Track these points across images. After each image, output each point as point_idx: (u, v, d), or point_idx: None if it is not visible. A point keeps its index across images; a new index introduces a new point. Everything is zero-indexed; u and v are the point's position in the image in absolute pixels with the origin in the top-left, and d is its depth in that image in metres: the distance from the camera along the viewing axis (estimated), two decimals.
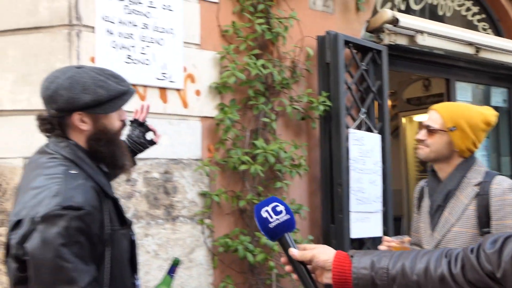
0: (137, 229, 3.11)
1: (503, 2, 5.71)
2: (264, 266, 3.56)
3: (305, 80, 3.96)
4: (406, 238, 2.26)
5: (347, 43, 3.99)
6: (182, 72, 3.35)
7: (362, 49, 4.21)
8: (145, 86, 3.22)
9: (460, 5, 5.60)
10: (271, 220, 1.51)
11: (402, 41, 4.47)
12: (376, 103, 4.30)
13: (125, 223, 1.89)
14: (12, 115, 3.08)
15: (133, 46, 3.16)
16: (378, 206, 4.16)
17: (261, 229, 1.53)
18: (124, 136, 2.17)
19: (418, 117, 7.00)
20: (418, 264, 1.42)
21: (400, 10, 4.92)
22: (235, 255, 3.45)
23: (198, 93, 3.44)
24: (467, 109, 2.36)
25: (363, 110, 4.15)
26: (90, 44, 3.02)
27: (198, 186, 3.44)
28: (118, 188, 3.07)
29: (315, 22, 4.04)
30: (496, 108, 4.22)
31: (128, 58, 3.15)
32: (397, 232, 4.92)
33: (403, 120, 7.17)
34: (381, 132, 4.27)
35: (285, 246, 1.54)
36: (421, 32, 4.48)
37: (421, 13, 5.19)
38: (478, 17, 5.75)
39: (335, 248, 1.54)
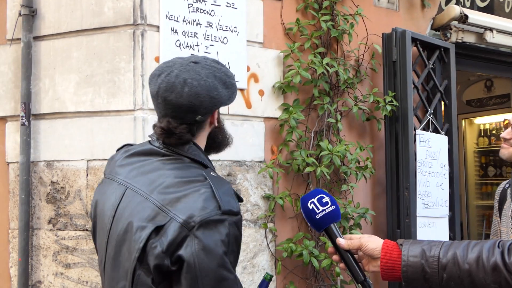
0: None
1: None
2: (328, 272, 3.43)
3: (370, 79, 3.82)
4: None
5: (414, 40, 3.83)
6: (245, 72, 3.27)
7: (428, 47, 4.04)
8: None
9: None
10: (317, 211, 1.56)
11: (470, 38, 4.28)
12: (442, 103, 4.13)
13: None
14: (76, 117, 3.06)
15: (197, 45, 3.09)
16: (445, 211, 3.99)
17: (307, 220, 1.58)
18: None
19: (479, 120, 6.74)
20: (470, 253, 1.46)
21: (464, 7, 4.71)
22: (298, 260, 3.33)
23: (261, 93, 3.35)
24: None
25: (430, 110, 3.97)
26: (155, 43, 2.97)
27: (261, 189, 3.34)
28: None
29: (380, 20, 3.90)
30: None
31: None
32: (462, 238, 4.71)
33: (463, 122, 6.91)
34: (447, 133, 4.09)
35: (331, 236, 1.58)
36: (490, 29, 4.27)
37: (487, 10, 4.96)
38: None
39: None
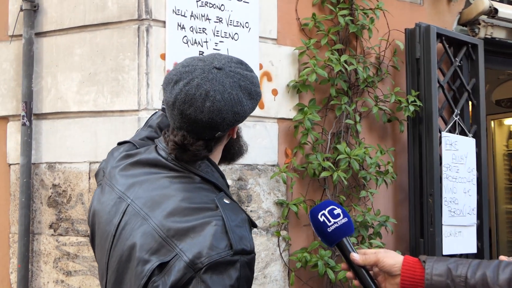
0: None
1: None
2: (346, 284, 3.23)
3: (392, 77, 3.61)
4: None
5: (439, 36, 3.62)
6: (258, 70, 3.09)
7: (455, 43, 3.82)
8: None
9: None
10: (328, 224, 1.47)
11: (500, 34, 4.06)
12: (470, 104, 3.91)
13: None
14: (78, 117, 2.92)
15: (206, 42, 2.92)
16: (473, 219, 3.76)
17: (318, 234, 1.49)
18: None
19: (509, 121, 6.47)
20: (501, 274, 1.36)
21: (494, 0, 4.47)
22: (313, 272, 3.14)
23: (275, 92, 3.16)
24: None
25: (457, 111, 3.74)
26: (161, 39, 2.81)
27: (274, 195, 3.15)
28: None
29: (402, 14, 3.70)
30: None
31: (201, 54, 2.90)
32: (491, 247, 4.46)
33: (491, 123, 6.63)
34: (475, 135, 3.86)
35: (344, 251, 1.48)
36: None
37: None
38: None
39: None
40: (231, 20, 3.02)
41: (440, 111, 3.66)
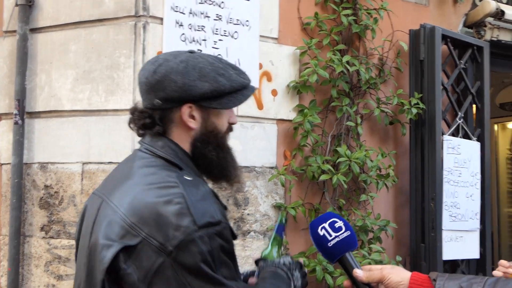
0: None
1: None
2: None
3: (394, 79, 3.55)
4: None
5: (444, 37, 3.56)
6: (257, 70, 3.03)
7: (460, 45, 3.76)
8: None
9: None
10: (329, 238, 1.40)
11: (506, 36, 4.01)
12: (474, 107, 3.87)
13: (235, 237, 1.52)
14: (72, 116, 2.85)
15: (204, 40, 2.85)
16: (475, 223, 3.69)
17: (318, 249, 1.44)
18: None
19: None
20: None
21: (501, 2, 4.41)
22: (311, 277, 3.07)
23: (274, 93, 3.10)
24: None
25: (460, 114, 3.67)
26: (158, 37, 2.75)
27: (272, 198, 3.09)
28: None
29: (407, 15, 3.64)
30: None
31: None
32: (493, 252, 4.39)
33: (495, 127, 6.57)
34: (479, 139, 3.80)
35: (347, 267, 1.42)
36: None
37: None
38: None
39: (426, 271, 1.47)
40: (231, 18, 2.95)
41: (443, 114, 3.61)
